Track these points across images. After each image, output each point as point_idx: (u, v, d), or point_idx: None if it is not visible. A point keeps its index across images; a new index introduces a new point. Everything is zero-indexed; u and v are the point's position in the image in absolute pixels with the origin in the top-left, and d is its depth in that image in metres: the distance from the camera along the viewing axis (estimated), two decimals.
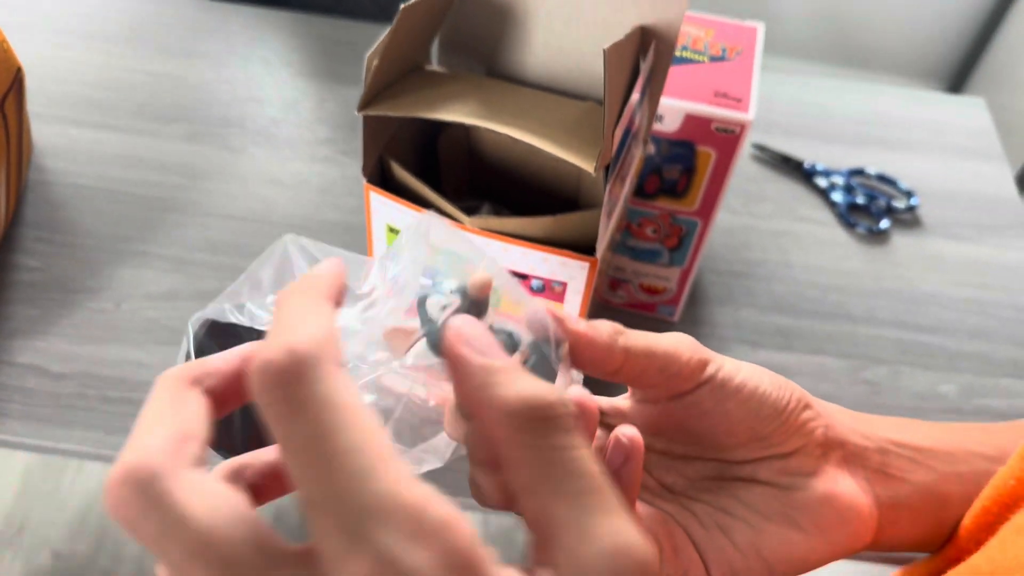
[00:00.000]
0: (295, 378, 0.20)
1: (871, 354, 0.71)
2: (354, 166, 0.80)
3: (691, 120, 0.56)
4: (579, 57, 0.50)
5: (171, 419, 0.23)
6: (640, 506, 0.36)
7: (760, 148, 0.84)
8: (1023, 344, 0.73)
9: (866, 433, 0.37)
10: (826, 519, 0.35)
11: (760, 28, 0.60)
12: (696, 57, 0.58)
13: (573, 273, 0.50)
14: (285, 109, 0.85)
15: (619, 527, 0.21)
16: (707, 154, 0.57)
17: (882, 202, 0.80)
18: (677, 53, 0.59)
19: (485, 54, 0.53)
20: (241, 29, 0.93)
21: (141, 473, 0.21)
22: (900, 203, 0.81)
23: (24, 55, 0.86)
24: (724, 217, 0.79)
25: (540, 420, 0.22)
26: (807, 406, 0.36)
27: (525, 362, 0.32)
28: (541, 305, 0.32)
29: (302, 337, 0.21)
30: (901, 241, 0.79)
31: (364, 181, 0.50)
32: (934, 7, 2.16)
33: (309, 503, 0.20)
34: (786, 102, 0.91)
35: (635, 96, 0.47)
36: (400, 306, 0.32)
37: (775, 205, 0.81)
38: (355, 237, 0.74)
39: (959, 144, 0.89)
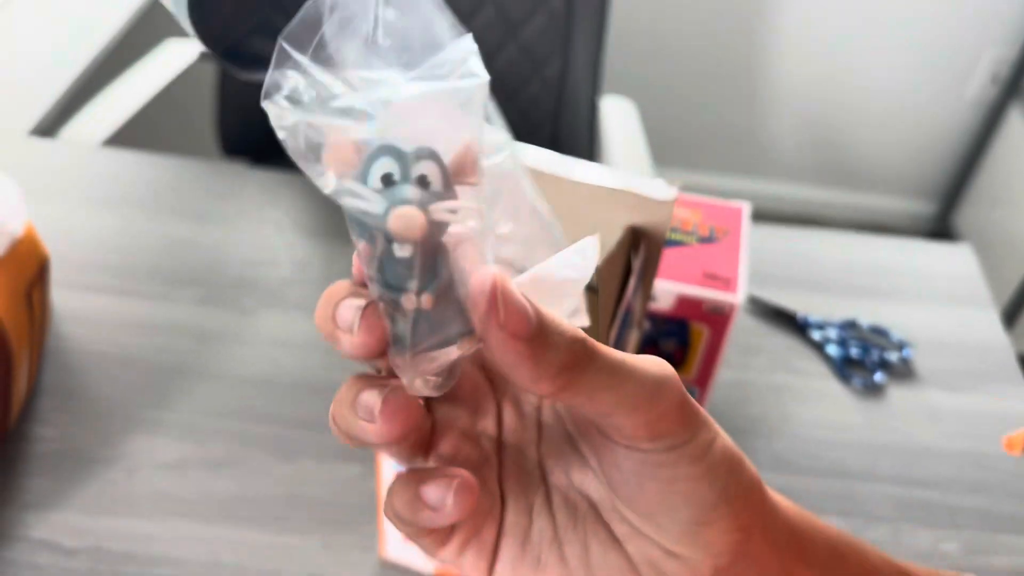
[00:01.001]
0: None
1: (871, 512, 0.71)
2: None
3: (683, 300, 0.58)
4: None
5: None
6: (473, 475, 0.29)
7: (753, 300, 0.86)
8: (1023, 498, 0.73)
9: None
10: None
11: (746, 208, 0.63)
12: (686, 239, 0.61)
13: None
14: (296, 270, 0.88)
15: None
16: (700, 331, 0.60)
17: (876, 355, 0.82)
18: (667, 235, 0.62)
19: None
20: (255, 191, 0.97)
21: None
22: (893, 354, 0.83)
23: (42, 220, 0.90)
24: (721, 372, 0.81)
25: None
26: (741, 532, 0.29)
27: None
28: (488, 278, 0.25)
29: None
30: (896, 394, 0.81)
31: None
32: (924, 128, 2.23)
33: None
34: (777, 253, 0.94)
35: (629, 292, 0.50)
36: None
37: (771, 358, 0.83)
38: None
39: (947, 291, 0.92)
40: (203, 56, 1.29)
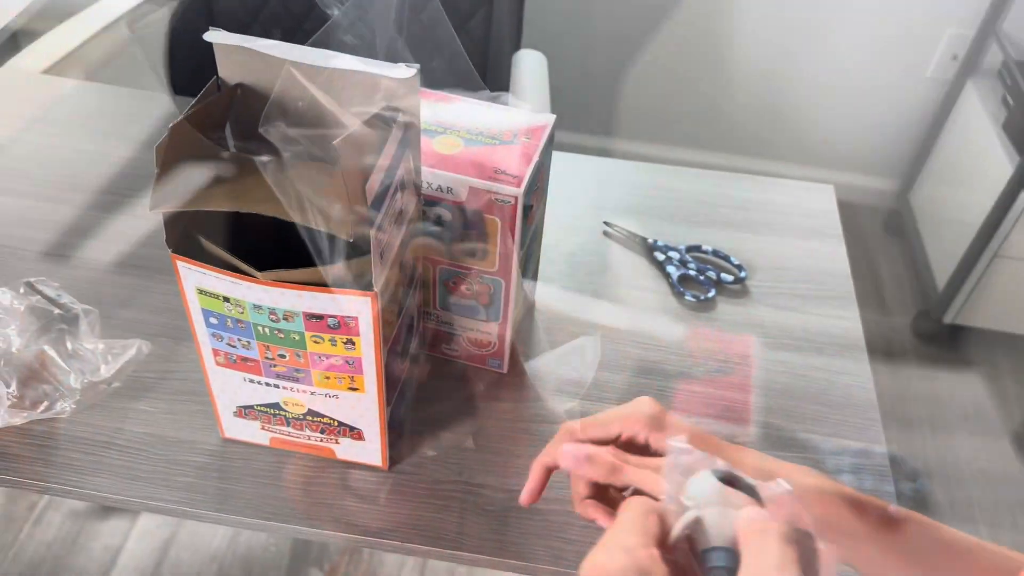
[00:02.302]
0: None
1: (676, 407, 0.79)
2: None
3: (474, 192, 0.66)
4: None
5: None
6: None
7: (609, 224, 0.93)
8: (820, 403, 0.80)
9: None
10: None
11: (551, 120, 0.71)
12: (489, 141, 0.69)
13: (360, 308, 0.59)
14: None
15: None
16: (494, 221, 0.67)
17: (712, 274, 0.89)
18: (472, 137, 0.69)
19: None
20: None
21: None
22: (730, 276, 0.89)
23: None
24: (566, 287, 0.88)
25: None
26: None
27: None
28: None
29: None
30: (726, 308, 0.88)
31: (170, 252, 0.59)
32: (882, 107, 2.27)
33: None
34: (637, 185, 1.01)
35: (385, 161, 0.57)
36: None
37: (616, 276, 0.90)
38: None
39: (801, 225, 0.98)
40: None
